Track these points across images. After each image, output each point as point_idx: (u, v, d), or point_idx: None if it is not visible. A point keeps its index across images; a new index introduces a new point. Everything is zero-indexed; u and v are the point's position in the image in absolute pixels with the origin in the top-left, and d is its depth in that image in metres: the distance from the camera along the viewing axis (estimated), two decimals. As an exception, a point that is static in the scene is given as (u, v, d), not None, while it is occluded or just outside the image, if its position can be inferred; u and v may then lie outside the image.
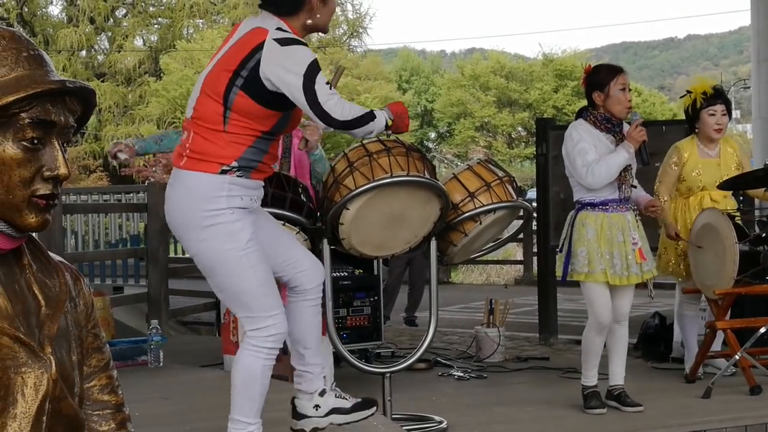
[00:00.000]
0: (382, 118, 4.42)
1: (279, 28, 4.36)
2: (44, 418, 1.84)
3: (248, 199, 4.38)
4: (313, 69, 4.25)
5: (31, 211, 1.85)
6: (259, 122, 4.36)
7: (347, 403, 4.74)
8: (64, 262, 2.06)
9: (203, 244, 4.39)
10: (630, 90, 6.53)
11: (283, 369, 6.63)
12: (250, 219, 4.39)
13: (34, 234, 1.97)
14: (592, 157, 6.37)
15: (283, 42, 4.30)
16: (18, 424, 1.80)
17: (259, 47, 4.30)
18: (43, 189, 1.85)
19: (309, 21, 4.48)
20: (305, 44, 4.36)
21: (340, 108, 4.26)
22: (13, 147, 1.81)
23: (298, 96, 4.25)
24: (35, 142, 1.82)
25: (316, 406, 4.70)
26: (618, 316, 6.55)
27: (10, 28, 1.92)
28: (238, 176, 4.32)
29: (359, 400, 4.78)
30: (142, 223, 13.22)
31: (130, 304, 10.93)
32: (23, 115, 1.80)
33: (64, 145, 1.90)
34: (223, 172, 4.30)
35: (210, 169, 4.31)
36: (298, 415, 4.77)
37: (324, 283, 5.77)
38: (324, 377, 4.77)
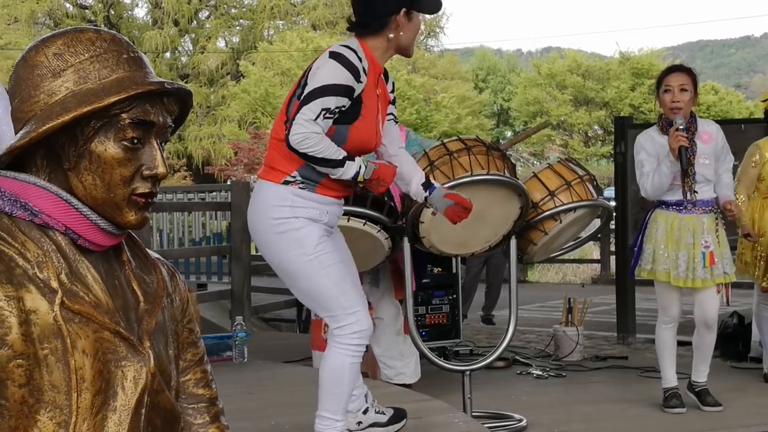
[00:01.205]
0: (351, 170, 4.31)
1: (346, 45, 4.44)
2: (143, 410, 1.89)
3: (315, 212, 4.42)
4: (323, 90, 4.25)
5: (131, 209, 1.89)
6: None
7: (384, 418, 4.87)
8: (160, 259, 2.11)
9: (274, 251, 4.49)
10: (686, 90, 6.37)
11: (365, 366, 6.69)
12: (317, 226, 4.43)
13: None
14: (647, 169, 6.38)
15: (332, 54, 4.37)
16: (118, 417, 1.85)
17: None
18: (142, 187, 1.89)
19: (392, 36, 4.51)
20: (350, 68, 4.33)
21: (301, 138, 4.18)
22: (114, 147, 1.85)
23: (301, 100, 4.29)
24: (135, 141, 1.87)
25: (359, 423, 4.83)
26: (706, 320, 6.51)
27: (111, 31, 1.96)
28: (300, 188, 4.39)
29: (392, 412, 4.90)
30: (225, 221, 13.37)
31: (213, 300, 11.06)
32: (124, 115, 1.85)
33: (162, 144, 1.94)
34: (286, 182, 4.39)
35: (275, 178, 4.42)
36: None
37: (405, 281, 5.86)
38: (366, 396, 4.86)
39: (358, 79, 4.35)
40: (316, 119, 4.21)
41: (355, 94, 4.36)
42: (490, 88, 58.53)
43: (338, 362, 4.45)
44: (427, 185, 4.74)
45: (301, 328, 10.14)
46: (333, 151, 4.25)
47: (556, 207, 5.95)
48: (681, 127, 6.24)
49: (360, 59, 4.38)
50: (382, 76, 4.62)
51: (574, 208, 6.01)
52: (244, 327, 7.54)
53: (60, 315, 1.78)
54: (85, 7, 41.95)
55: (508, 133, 58.89)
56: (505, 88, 60.87)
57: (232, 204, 10.27)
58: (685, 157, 6.20)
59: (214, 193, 14.48)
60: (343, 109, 4.32)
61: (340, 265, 4.47)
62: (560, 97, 51.62)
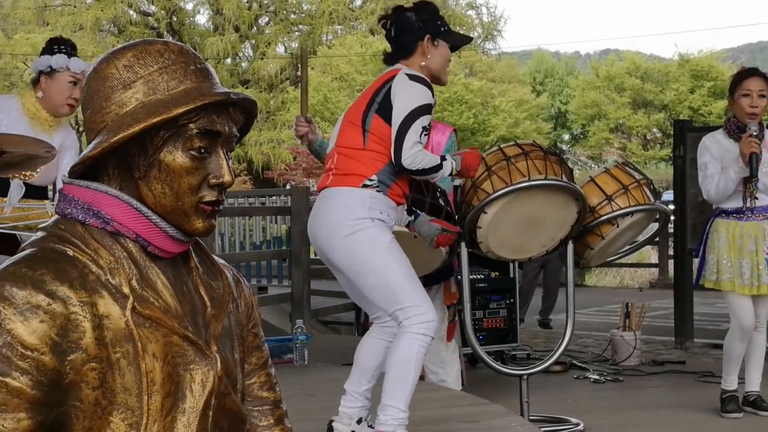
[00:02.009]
0: (448, 167, 4.71)
1: (410, 71, 4.79)
2: (210, 412, 1.94)
3: (385, 215, 4.64)
4: (419, 112, 4.62)
5: (198, 217, 1.94)
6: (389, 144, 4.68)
7: None
8: (226, 265, 2.17)
9: (347, 252, 4.64)
10: (765, 96, 6.29)
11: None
12: (387, 227, 4.65)
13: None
14: (711, 172, 6.33)
15: (412, 77, 4.71)
16: (186, 419, 1.90)
17: (391, 79, 4.74)
18: (209, 195, 1.94)
19: (423, 63, 4.88)
20: (430, 86, 4.73)
21: (411, 159, 4.57)
22: (182, 156, 1.90)
23: (394, 124, 4.63)
24: (202, 151, 1.92)
25: None
26: (755, 323, 6.47)
27: (179, 43, 2.01)
28: (377, 191, 4.62)
29: None
30: (284, 225, 13.48)
31: (274, 304, 11.15)
32: (191, 125, 1.90)
33: (228, 153, 1.99)
34: (365, 186, 4.61)
35: (354, 183, 4.63)
36: None
37: (462, 285, 5.89)
38: (366, 408, 4.88)
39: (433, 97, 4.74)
40: (419, 140, 4.59)
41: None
42: (548, 91, 58.31)
43: (408, 349, 4.52)
44: (411, 211, 4.97)
45: (360, 330, 10.19)
46: (432, 158, 4.64)
47: (613, 211, 5.94)
48: (754, 133, 6.19)
49: None
50: None
51: (632, 213, 6.00)
52: (305, 330, 7.61)
53: (131, 320, 1.83)
54: (148, 15, 42.43)
55: (566, 136, 58.64)
56: (563, 90, 60.62)
57: (292, 209, 10.38)
58: (755, 164, 6.15)
59: (274, 198, 14.57)
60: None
61: (408, 261, 4.64)
62: (618, 99, 51.29)
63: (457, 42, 5.11)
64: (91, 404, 1.81)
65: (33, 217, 5.29)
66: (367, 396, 4.86)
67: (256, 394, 2.20)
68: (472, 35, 43.00)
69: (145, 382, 1.84)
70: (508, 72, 49.20)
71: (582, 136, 56.43)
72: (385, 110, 4.66)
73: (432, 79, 4.86)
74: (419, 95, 4.63)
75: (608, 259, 6.70)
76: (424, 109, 4.63)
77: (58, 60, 5.60)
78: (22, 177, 5.53)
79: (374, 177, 4.63)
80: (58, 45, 5.70)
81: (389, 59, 4.97)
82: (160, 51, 1.95)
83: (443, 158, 4.66)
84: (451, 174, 4.75)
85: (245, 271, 13.40)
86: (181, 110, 1.87)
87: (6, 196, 5.49)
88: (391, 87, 4.69)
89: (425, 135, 4.64)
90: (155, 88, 1.91)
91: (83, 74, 5.59)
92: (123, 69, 1.92)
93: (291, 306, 10.46)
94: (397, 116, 4.61)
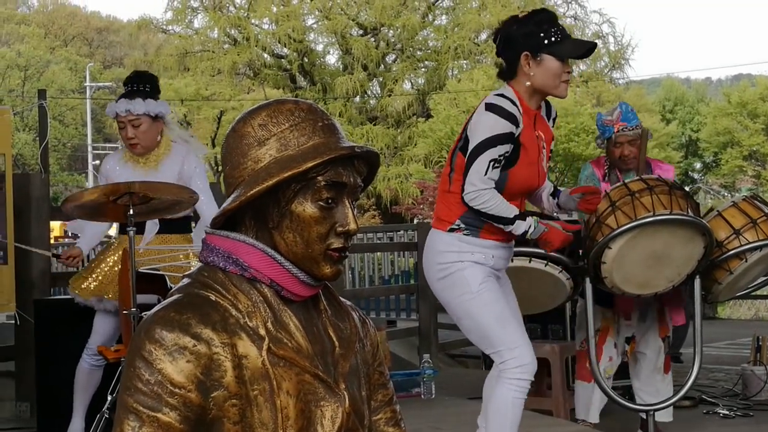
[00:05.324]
0: (520, 228, 4.47)
1: (499, 94, 4.56)
2: None
3: (480, 256, 4.59)
4: (487, 143, 4.41)
5: (327, 263, 2.08)
6: None
7: None
8: (352, 306, 2.31)
9: (441, 295, 4.73)
10: None
11: (549, 403, 6.76)
12: (482, 268, 4.60)
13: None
14: None
15: (488, 106, 4.50)
16: None
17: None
18: (336, 243, 2.08)
19: (528, 83, 4.57)
20: (507, 116, 4.45)
21: (473, 195, 4.40)
22: (312, 206, 2.05)
23: (468, 156, 4.48)
24: (329, 201, 2.06)
25: None
26: None
27: (308, 101, 2.18)
28: (465, 234, 4.58)
29: None
30: (411, 259, 13.64)
31: (402, 337, 11.27)
32: (320, 178, 2.05)
33: (353, 203, 2.14)
34: (452, 230, 4.60)
35: (442, 227, 4.64)
36: None
37: (587, 319, 5.92)
38: None
39: (516, 124, 4.48)
40: (486, 174, 4.41)
41: (515, 137, 4.49)
42: (678, 119, 57.32)
43: (502, 396, 4.58)
44: (555, 194, 4.90)
45: (487, 364, 10.25)
46: (504, 209, 4.44)
47: (741, 246, 5.89)
48: None
49: (515, 104, 4.51)
50: (542, 115, 4.76)
51: (760, 247, 5.95)
52: (431, 364, 7.72)
53: (267, 359, 1.99)
54: (281, 57, 43.18)
55: (698, 165, 57.65)
56: (694, 118, 59.48)
57: (418, 244, 10.52)
58: None
59: (401, 232, 14.75)
60: (507, 155, 4.48)
61: (502, 302, 4.62)
62: (752, 126, 50.22)
63: (568, 53, 4.58)
64: (232, 438, 1.96)
65: (171, 255, 5.49)
66: None
67: (382, 430, 2.32)
68: (598, 65, 42.77)
69: (280, 418, 1.98)
70: (636, 101, 48.55)
71: (714, 165, 55.36)
72: (466, 146, 4.54)
73: (542, 95, 4.65)
74: (490, 126, 4.43)
75: (737, 294, 6.65)
76: (494, 140, 4.42)
77: (110, 108, 5.68)
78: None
79: (458, 222, 4.58)
80: (129, 84, 5.72)
81: (499, 77, 4.74)
82: (291, 110, 2.11)
83: (523, 216, 4.48)
84: (524, 237, 4.53)
85: (374, 305, 13.55)
86: (310, 164, 2.01)
87: (143, 233, 5.67)
88: (472, 119, 4.57)
89: (495, 168, 4.44)
90: (287, 144, 2.06)
91: (127, 113, 5.59)
92: (258, 127, 2.09)
93: (419, 339, 10.59)
94: (470, 149, 4.45)
